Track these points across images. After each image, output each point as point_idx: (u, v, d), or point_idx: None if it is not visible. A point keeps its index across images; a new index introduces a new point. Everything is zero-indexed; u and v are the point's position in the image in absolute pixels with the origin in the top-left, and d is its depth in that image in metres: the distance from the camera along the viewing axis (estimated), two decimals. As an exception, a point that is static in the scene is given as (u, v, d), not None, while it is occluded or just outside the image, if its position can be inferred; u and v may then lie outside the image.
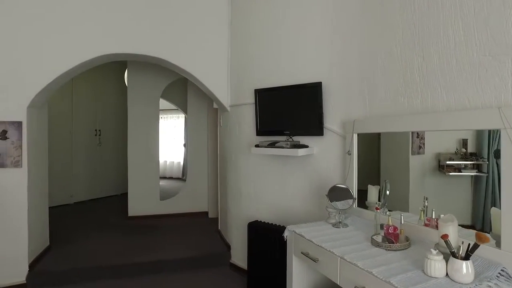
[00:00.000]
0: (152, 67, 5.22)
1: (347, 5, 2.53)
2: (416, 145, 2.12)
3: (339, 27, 2.61)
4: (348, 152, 2.44)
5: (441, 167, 1.98)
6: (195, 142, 5.69)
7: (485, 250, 1.47)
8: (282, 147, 2.76)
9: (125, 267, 3.49)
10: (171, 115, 10.24)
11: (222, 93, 3.68)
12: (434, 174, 2.05)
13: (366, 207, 2.35)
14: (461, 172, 1.85)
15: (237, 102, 3.56)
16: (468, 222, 1.78)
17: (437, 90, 1.83)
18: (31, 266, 3.32)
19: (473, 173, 1.82)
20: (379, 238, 1.75)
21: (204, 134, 5.65)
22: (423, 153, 2.08)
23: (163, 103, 5.83)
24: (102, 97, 7.06)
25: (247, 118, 3.38)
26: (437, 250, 1.34)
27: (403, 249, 1.68)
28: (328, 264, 1.78)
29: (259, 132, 3.15)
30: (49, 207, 4.02)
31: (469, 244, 1.29)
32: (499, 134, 1.49)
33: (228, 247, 3.84)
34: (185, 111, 6.28)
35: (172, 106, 7.62)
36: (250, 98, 3.29)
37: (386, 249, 1.69)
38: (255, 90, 3.14)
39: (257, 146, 2.98)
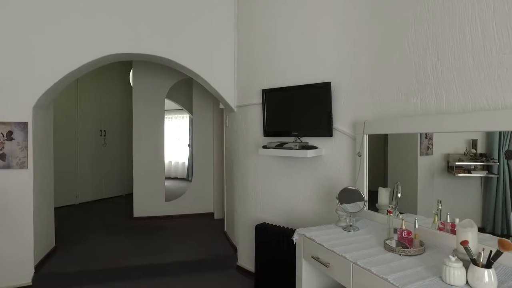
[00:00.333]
0: (157, 67, 5.20)
1: (357, 4, 2.49)
2: (424, 145, 2.08)
3: (348, 26, 2.57)
4: (358, 154, 2.40)
5: (450, 168, 1.94)
6: (201, 142, 5.65)
7: (507, 257, 1.41)
8: (291, 148, 2.72)
9: (131, 269, 3.46)
10: (176, 115, 10.23)
11: (229, 93, 3.64)
12: (442, 175, 2.01)
13: (376, 210, 2.30)
14: (471, 173, 1.81)
15: (243, 103, 3.52)
16: (478, 225, 1.71)
17: (453, 90, 1.77)
18: (37, 267, 3.30)
19: (483, 174, 1.77)
20: (392, 243, 1.70)
21: (210, 135, 5.61)
22: (432, 153, 2.04)
23: (168, 103, 5.81)
24: (107, 98, 7.05)
25: (254, 119, 3.34)
26: (456, 257, 1.29)
27: (417, 255, 1.62)
28: (340, 269, 1.73)
29: (266, 133, 3.10)
30: (54, 208, 4.01)
31: (490, 251, 1.24)
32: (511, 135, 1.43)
33: (235, 249, 3.80)
34: (190, 111, 6.25)
35: (177, 106, 7.61)
36: (257, 99, 3.24)
37: (400, 254, 1.63)
38: (262, 90, 3.10)
39: (264, 147, 2.94)
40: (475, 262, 1.25)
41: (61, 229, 4.31)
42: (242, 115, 3.56)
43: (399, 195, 2.20)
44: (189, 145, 9.73)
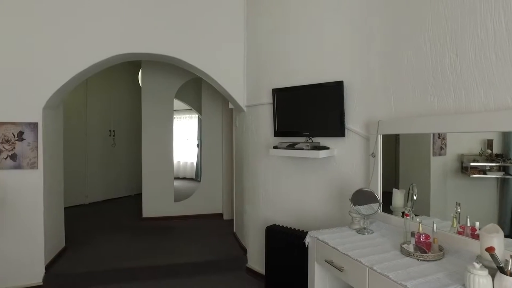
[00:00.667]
0: (166, 67, 5.18)
1: (369, 0, 2.42)
2: (437, 146, 2.02)
3: (360, 23, 2.50)
4: (372, 154, 2.33)
5: (464, 169, 1.87)
6: (210, 142, 5.63)
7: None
8: (302, 149, 2.66)
9: (140, 270, 3.44)
10: (184, 116, 10.24)
11: (238, 93, 3.60)
12: (456, 176, 1.95)
13: (390, 212, 2.24)
14: (486, 174, 1.75)
15: (253, 102, 3.47)
16: (494, 228, 1.66)
17: (473, 88, 1.70)
18: (48, 267, 3.31)
19: (500, 175, 1.71)
20: (410, 247, 1.64)
21: (219, 135, 5.58)
22: (445, 154, 1.98)
23: (176, 103, 5.80)
24: (116, 98, 7.07)
25: (264, 119, 3.29)
26: (481, 264, 1.22)
27: (437, 260, 1.56)
28: (355, 274, 1.67)
29: (277, 133, 3.05)
30: (64, 208, 4.01)
31: (518, 259, 1.17)
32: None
33: (244, 250, 3.76)
34: (199, 111, 6.23)
35: (185, 106, 7.61)
36: (267, 98, 3.19)
37: (418, 259, 1.57)
38: (272, 89, 3.05)
39: (275, 147, 2.89)
40: (502, 270, 1.18)
41: (71, 229, 4.32)
42: (252, 115, 3.52)
43: (414, 197, 2.13)
44: (197, 145, 9.73)
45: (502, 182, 1.68)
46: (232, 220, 4.69)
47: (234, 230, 4.51)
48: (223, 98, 5.17)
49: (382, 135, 2.25)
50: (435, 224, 1.63)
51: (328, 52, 2.75)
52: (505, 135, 1.62)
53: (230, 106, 4.10)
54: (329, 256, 1.91)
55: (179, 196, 5.77)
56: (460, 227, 1.74)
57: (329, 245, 1.91)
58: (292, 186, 3.06)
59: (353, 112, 2.57)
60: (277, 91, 3.02)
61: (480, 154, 1.75)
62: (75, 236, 4.33)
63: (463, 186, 1.93)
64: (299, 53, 2.97)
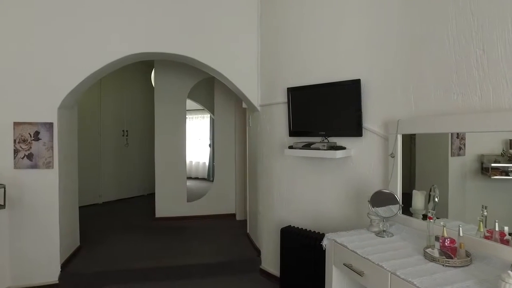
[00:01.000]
0: (178, 67, 5.18)
1: (388, -5, 2.35)
2: (456, 146, 1.95)
3: (378, 19, 2.43)
4: (391, 155, 2.25)
5: (485, 170, 1.80)
6: (223, 142, 5.60)
7: None
8: (318, 149, 2.60)
9: (154, 271, 3.44)
10: (196, 115, 10.26)
11: (252, 92, 3.56)
12: (476, 177, 1.89)
13: (410, 214, 2.16)
14: (509, 175, 1.68)
15: (268, 102, 3.43)
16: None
17: (502, 84, 1.62)
18: (63, 266, 3.33)
19: None
20: (434, 252, 1.56)
21: (232, 135, 5.55)
22: (464, 154, 1.91)
23: (188, 103, 5.80)
24: (129, 98, 7.12)
25: (279, 118, 3.24)
26: (516, 272, 1.15)
27: (464, 266, 1.48)
28: (376, 279, 1.61)
29: (292, 133, 3.00)
30: (79, 207, 4.04)
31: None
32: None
33: (258, 252, 3.71)
34: (211, 111, 6.21)
35: (197, 106, 7.61)
36: (282, 97, 3.14)
37: (444, 265, 1.50)
38: (287, 88, 2.99)
39: (290, 147, 2.84)
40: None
41: (85, 228, 4.35)
42: (266, 114, 3.47)
43: (436, 199, 2.05)
44: (209, 145, 9.73)
45: (527, 185, 1.58)
46: (245, 220, 4.65)
47: (248, 231, 4.47)
48: (236, 98, 5.14)
49: (402, 135, 2.18)
50: (461, 228, 1.55)
51: (344, 50, 2.68)
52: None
53: (244, 105, 4.06)
54: (347, 259, 1.85)
55: (192, 196, 5.76)
56: (487, 231, 1.66)
57: (348, 248, 1.85)
58: (307, 186, 3.00)
59: (371, 111, 2.50)
60: (292, 90, 2.96)
61: (502, 155, 1.69)
62: (89, 235, 4.36)
63: (484, 188, 1.86)
64: (314, 51, 2.91)
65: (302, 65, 3.02)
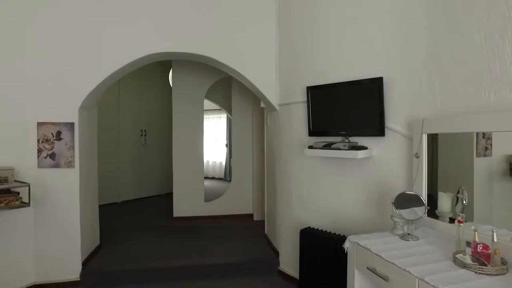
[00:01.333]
0: (196, 66, 5.19)
1: (413, -11, 2.27)
2: (481, 146, 1.87)
3: (401, 14, 2.36)
4: (416, 155, 2.17)
5: None
6: (240, 142, 5.58)
7: None
8: (339, 149, 2.54)
9: (171, 271, 3.45)
10: (213, 115, 10.30)
11: (271, 91, 3.52)
12: (504, 179, 1.80)
13: (436, 217, 2.08)
14: None
15: (286, 101, 3.38)
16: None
17: (540, 81, 1.52)
18: (84, 264, 3.39)
19: None
20: (466, 258, 1.48)
21: (249, 134, 5.52)
22: (490, 155, 1.83)
23: (205, 103, 5.81)
24: (147, 98, 7.21)
25: (298, 118, 3.19)
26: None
27: (499, 274, 1.39)
28: (403, 285, 1.54)
29: (311, 133, 2.94)
30: (98, 205, 4.10)
31: None
32: None
33: (276, 253, 3.67)
34: (229, 111, 6.21)
35: (214, 106, 7.62)
36: (301, 96, 3.09)
37: (476, 273, 1.42)
38: (307, 87, 2.94)
39: (310, 147, 2.78)
40: None
41: (105, 227, 4.40)
42: (284, 113, 3.42)
43: (465, 201, 1.97)
44: (226, 145, 9.75)
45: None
46: (263, 221, 4.61)
47: (265, 232, 4.43)
48: (253, 97, 5.11)
49: (428, 135, 2.10)
50: (495, 233, 1.47)
51: (365, 47, 2.61)
52: None
53: (262, 105, 4.02)
54: (371, 263, 1.79)
55: (209, 196, 5.77)
56: (523, 237, 1.57)
57: (372, 252, 1.79)
58: (328, 187, 2.94)
59: (394, 110, 2.42)
60: (312, 89, 2.91)
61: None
62: (109, 234, 4.42)
63: (512, 190, 1.75)
64: (334, 49, 2.85)
65: (321, 64, 2.96)
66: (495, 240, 1.46)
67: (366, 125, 2.55)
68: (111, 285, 3.27)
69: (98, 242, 3.99)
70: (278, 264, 3.56)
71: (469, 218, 1.86)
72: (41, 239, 3.19)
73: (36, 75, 3.15)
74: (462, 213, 1.86)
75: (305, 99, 2.97)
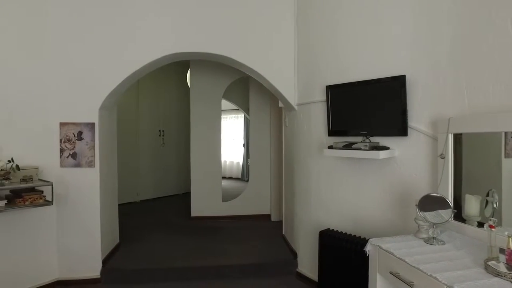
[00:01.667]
0: (214, 66, 5.19)
1: (438, -17, 2.18)
2: (510, 146, 1.78)
3: (425, 9, 2.27)
4: (441, 156, 2.09)
5: None
6: (258, 142, 5.56)
7: None
8: (360, 149, 2.48)
9: (188, 271, 3.46)
10: (230, 115, 10.32)
11: (289, 90, 3.48)
12: None
13: (462, 221, 1.98)
14: None
15: (305, 100, 3.33)
16: None
17: None
18: (104, 262, 3.44)
19: None
20: (499, 266, 1.40)
21: (267, 134, 5.49)
22: None
23: (222, 103, 5.81)
24: (166, 99, 7.28)
25: (317, 117, 3.13)
26: None
27: (535, 283, 1.31)
28: (429, 291, 1.47)
29: (331, 132, 2.88)
30: (118, 204, 4.15)
31: None
32: None
33: (294, 254, 3.62)
34: (246, 110, 6.19)
35: (231, 106, 7.63)
36: (320, 96, 3.04)
37: None
38: (326, 86, 2.88)
39: (330, 147, 2.73)
40: None
41: (124, 226, 4.47)
42: (303, 113, 3.37)
43: (495, 205, 1.87)
44: (243, 145, 9.75)
45: None
46: (281, 221, 4.57)
47: (283, 233, 4.39)
48: (271, 97, 5.08)
49: (455, 134, 2.01)
50: (530, 239, 1.38)
51: (387, 43, 2.54)
52: None
53: (280, 104, 3.99)
54: (394, 267, 1.72)
55: (227, 196, 5.78)
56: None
57: (395, 256, 1.72)
58: (347, 188, 2.87)
59: (417, 109, 2.34)
60: (331, 88, 2.85)
61: None
62: (128, 233, 4.48)
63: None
64: (355, 47, 2.78)
65: (341, 62, 2.90)
66: (532, 246, 1.37)
67: (388, 125, 2.48)
68: (130, 284, 3.31)
69: (117, 241, 4.05)
70: (296, 265, 3.52)
71: (498, 222, 1.77)
72: (64, 236, 3.26)
73: (58, 77, 3.22)
74: (493, 217, 1.78)
75: (325, 98, 2.92)
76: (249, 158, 5.96)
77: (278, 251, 3.91)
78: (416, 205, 1.97)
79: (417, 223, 2.03)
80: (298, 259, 3.52)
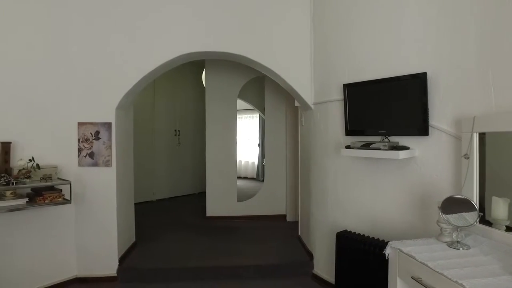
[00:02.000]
0: (229, 66, 5.18)
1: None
2: None
3: (449, 4, 2.18)
4: (465, 156, 2.00)
5: None
6: (273, 142, 5.51)
7: None
8: (379, 149, 2.41)
9: (203, 271, 3.45)
10: (246, 115, 10.31)
11: (305, 89, 3.43)
12: None
13: (488, 224, 1.89)
14: None
15: (321, 99, 3.27)
16: None
17: None
18: (121, 260, 3.47)
19: None
20: (531, 273, 1.32)
21: (283, 134, 5.44)
22: None
23: (238, 103, 5.79)
24: (181, 98, 7.33)
25: (334, 116, 3.07)
26: None
27: None
28: (454, 298, 1.40)
29: (348, 132, 2.82)
30: (134, 204, 4.19)
31: None
32: None
33: (310, 255, 3.56)
34: (262, 110, 6.16)
35: (246, 106, 7.61)
36: (337, 94, 2.98)
37: (544, 289, 1.26)
38: (343, 85, 2.82)
39: (347, 147, 2.66)
40: None
41: (140, 225, 4.50)
42: (320, 112, 3.31)
43: (525, 208, 1.78)
44: (258, 145, 9.73)
45: None
46: (297, 222, 4.52)
47: (299, 233, 4.34)
48: (286, 96, 5.03)
49: (480, 134, 1.92)
50: None
51: (407, 40, 2.45)
52: None
53: (296, 104, 3.94)
54: (416, 272, 1.66)
55: (242, 196, 5.76)
56: None
57: (417, 260, 1.66)
58: (365, 189, 2.80)
59: (439, 107, 2.26)
60: (349, 87, 2.78)
61: None
62: (144, 232, 4.51)
63: None
64: (373, 44, 2.71)
65: (358, 60, 2.83)
66: None
67: (408, 124, 2.40)
68: (146, 282, 3.32)
69: (133, 240, 4.09)
70: (312, 267, 3.46)
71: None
72: (82, 234, 3.31)
73: (77, 78, 3.27)
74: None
75: (342, 97, 2.85)
76: (264, 158, 5.93)
77: (294, 252, 3.86)
78: (438, 207, 1.89)
79: (439, 226, 1.94)
80: (314, 260, 3.46)
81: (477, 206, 1.79)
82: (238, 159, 9.88)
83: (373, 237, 2.63)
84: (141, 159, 6.10)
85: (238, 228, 4.91)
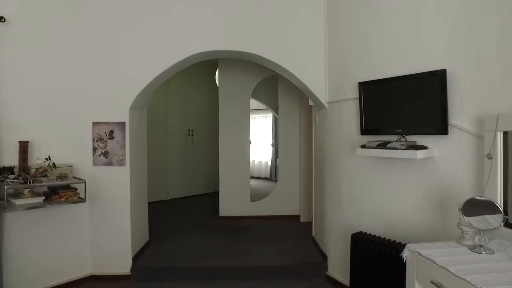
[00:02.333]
0: (242, 65, 5.16)
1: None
2: None
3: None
4: (488, 156, 1.91)
5: None
6: (287, 142, 5.46)
7: None
8: (396, 148, 2.33)
9: (216, 270, 3.44)
10: (259, 115, 10.29)
11: (319, 88, 3.37)
12: None
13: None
14: None
15: (336, 98, 3.21)
16: None
17: None
18: (134, 259, 3.49)
19: None
20: (560, 279, 1.25)
21: (296, 134, 5.38)
22: None
23: (251, 102, 5.76)
24: (195, 98, 7.35)
25: (349, 115, 3.01)
26: None
27: None
28: (478, 305, 1.34)
29: (364, 131, 2.75)
30: (147, 203, 4.21)
31: None
32: None
33: (324, 257, 3.51)
34: (275, 110, 6.12)
35: (259, 106, 7.58)
36: (352, 93, 2.91)
37: None
38: (359, 83, 2.75)
39: (363, 146, 2.60)
40: None
41: (154, 224, 4.52)
42: (334, 111, 3.25)
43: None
44: (272, 145, 9.68)
45: None
46: (310, 223, 4.46)
47: (313, 234, 4.28)
48: (300, 96, 4.98)
49: (504, 132, 1.83)
50: None
51: (425, 36, 2.37)
52: None
53: (310, 103, 3.88)
54: (436, 276, 1.59)
55: (255, 196, 5.73)
56: None
57: (436, 264, 1.60)
58: (381, 190, 2.73)
59: (459, 106, 2.17)
60: (364, 85, 2.72)
61: None
62: (157, 231, 4.53)
63: None
64: (389, 41, 2.63)
65: (375, 57, 2.76)
66: None
67: (426, 123, 2.32)
68: (159, 281, 3.33)
69: (147, 239, 4.11)
70: (326, 268, 3.40)
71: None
72: (96, 233, 3.35)
73: (91, 78, 3.31)
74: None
75: (357, 95, 2.79)
76: (277, 157, 5.88)
77: (308, 253, 3.81)
78: (459, 209, 1.82)
79: (460, 228, 1.87)
80: (328, 262, 3.40)
81: (501, 209, 1.71)
82: (251, 159, 9.90)
83: (389, 239, 2.55)
84: (154, 159, 6.15)
85: (251, 228, 4.88)
